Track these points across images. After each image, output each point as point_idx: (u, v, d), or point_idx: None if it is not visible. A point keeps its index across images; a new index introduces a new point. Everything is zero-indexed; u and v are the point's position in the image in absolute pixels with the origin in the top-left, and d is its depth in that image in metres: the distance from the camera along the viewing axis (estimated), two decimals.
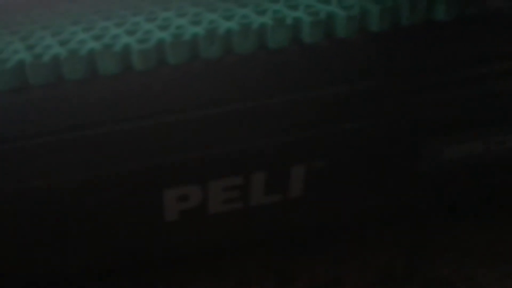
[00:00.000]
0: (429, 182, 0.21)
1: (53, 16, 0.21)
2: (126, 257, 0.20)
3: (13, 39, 0.19)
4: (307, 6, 0.19)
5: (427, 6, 0.18)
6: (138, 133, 0.18)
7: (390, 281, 0.20)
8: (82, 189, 0.18)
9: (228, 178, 0.19)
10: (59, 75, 0.18)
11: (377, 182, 0.20)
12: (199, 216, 0.19)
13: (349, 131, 0.19)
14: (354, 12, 0.18)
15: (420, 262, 0.21)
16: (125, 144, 0.18)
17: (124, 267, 0.21)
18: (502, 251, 0.21)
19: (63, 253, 0.19)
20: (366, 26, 0.18)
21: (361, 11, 0.18)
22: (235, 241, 0.21)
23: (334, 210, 0.20)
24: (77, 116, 0.17)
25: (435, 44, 0.19)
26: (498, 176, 0.21)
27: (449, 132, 0.20)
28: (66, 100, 0.18)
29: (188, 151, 0.18)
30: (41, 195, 0.17)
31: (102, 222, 0.18)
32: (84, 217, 0.18)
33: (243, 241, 0.21)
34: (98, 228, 0.19)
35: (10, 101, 0.17)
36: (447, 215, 0.22)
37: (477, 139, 0.20)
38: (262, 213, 0.20)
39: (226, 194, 0.19)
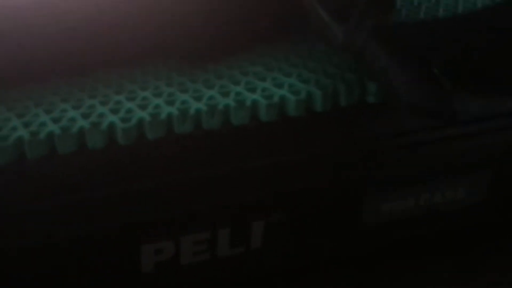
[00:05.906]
0: (371, 232, 0.24)
1: (45, 93, 0.24)
2: None
3: (10, 116, 0.22)
4: (264, 89, 0.23)
5: (361, 92, 0.22)
6: (122, 197, 0.21)
7: None
8: (72, 245, 0.21)
9: (197, 234, 0.22)
10: (52, 149, 0.21)
11: (328, 233, 0.24)
12: (172, 267, 0.22)
13: (303, 192, 0.22)
14: (302, 96, 0.22)
15: None
16: (110, 206, 0.21)
17: None
18: None
19: None
20: (312, 107, 0.22)
21: (307, 95, 0.22)
22: None
23: (291, 259, 0.24)
24: (67, 183, 0.20)
25: (368, 120, 0.23)
26: (427, 226, 0.25)
27: (385, 190, 0.24)
28: (58, 170, 0.21)
29: (163, 211, 0.21)
30: (36, 253, 0.20)
31: (87, 275, 0.21)
32: (73, 268, 0.21)
33: None
34: (81, 281, 0.21)
35: (9, 172, 0.20)
36: (392, 260, 0.26)
37: (408, 196, 0.24)
38: (227, 263, 0.23)
39: (196, 247, 0.22)
